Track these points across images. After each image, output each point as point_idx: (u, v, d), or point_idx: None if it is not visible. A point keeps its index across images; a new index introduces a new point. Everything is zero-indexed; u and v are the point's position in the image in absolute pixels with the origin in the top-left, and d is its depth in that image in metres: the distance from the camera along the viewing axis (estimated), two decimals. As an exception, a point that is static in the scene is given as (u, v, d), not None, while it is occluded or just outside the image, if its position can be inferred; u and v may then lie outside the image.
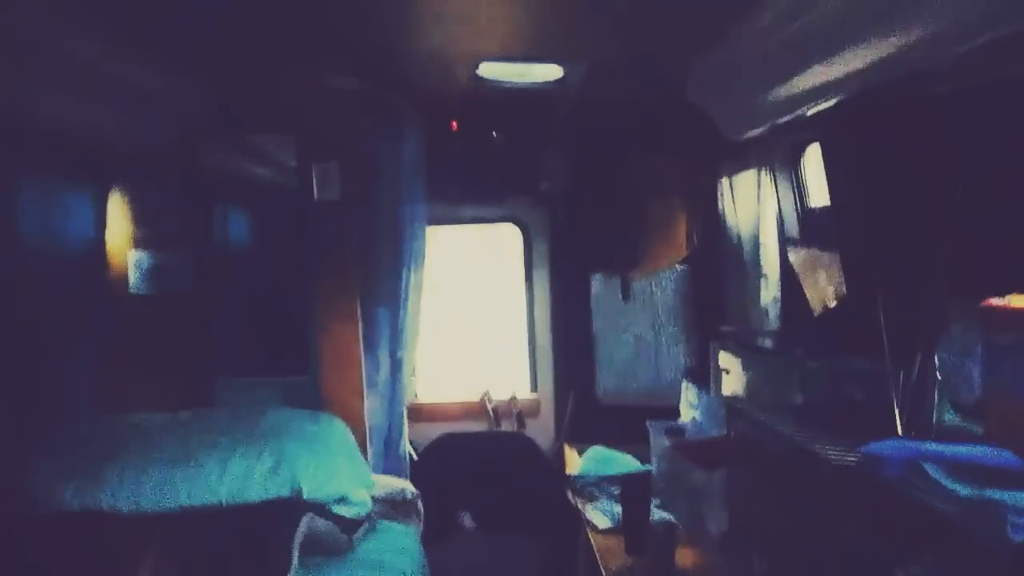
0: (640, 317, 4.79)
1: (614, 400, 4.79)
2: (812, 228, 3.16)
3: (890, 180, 2.07)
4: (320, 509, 2.65)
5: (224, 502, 2.60)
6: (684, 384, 4.03)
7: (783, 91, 2.78)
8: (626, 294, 4.71)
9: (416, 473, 3.95)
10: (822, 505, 1.80)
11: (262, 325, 3.64)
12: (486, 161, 4.54)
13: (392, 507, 3.02)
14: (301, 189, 3.34)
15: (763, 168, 3.51)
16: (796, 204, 3.32)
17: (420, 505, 3.12)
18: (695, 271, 4.70)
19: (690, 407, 3.94)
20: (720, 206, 4.22)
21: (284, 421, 2.91)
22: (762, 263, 3.47)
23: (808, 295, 3.02)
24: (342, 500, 2.69)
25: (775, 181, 3.46)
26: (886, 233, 2.09)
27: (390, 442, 3.70)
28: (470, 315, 5.06)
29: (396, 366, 3.68)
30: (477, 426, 4.82)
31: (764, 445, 1.95)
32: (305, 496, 2.61)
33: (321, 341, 3.33)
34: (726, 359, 2.98)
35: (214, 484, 2.60)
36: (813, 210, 3.22)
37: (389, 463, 3.74)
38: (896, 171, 2.07)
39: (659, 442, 3.19)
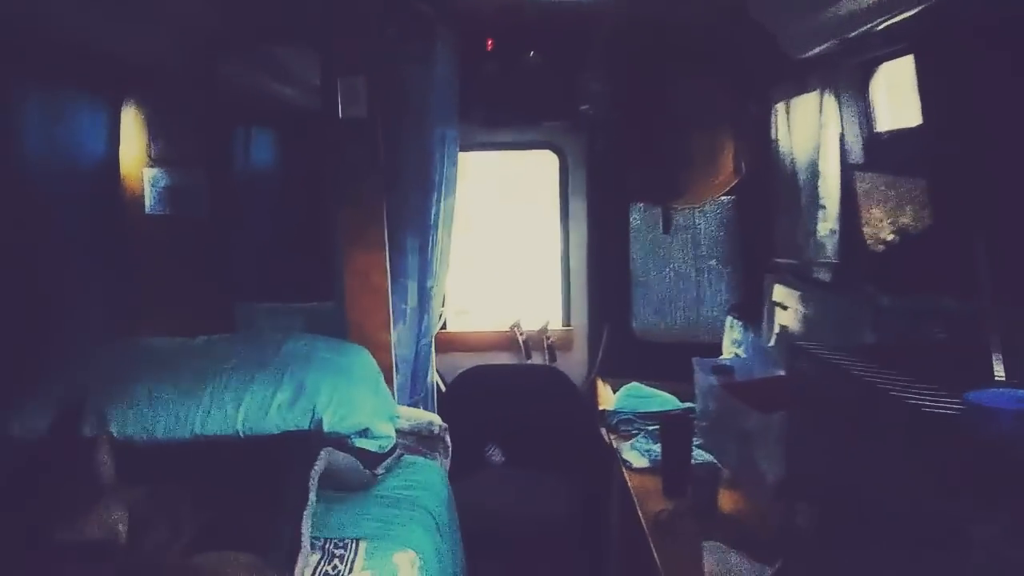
0: (681, 250, 4.52)
1: (650, 336, 4.56)
2: (883, 153, 2.85)
3: (996, 97, 1.77)
4: (341, 442, 2.46)
5: (240, 432, 2.43)
6: (728, 320, 3.78)
7: (854, 2, 2.46)
8: (667, 226, 4.43)
9: (444, 405, 3.78)
10: (899, 456, 1.56)
11: (286, 250, 3.42)
12: (522, 82, 4.23)
13: (418, 440, 2.84)
14: (326, 107, 3.09)
15: (826, 90, 3.18)
16: (862, 128, 3.00)
17: (447, 439, 2.94)
18: (742, 203, 4.40)
19: (734, 344, 3.69)
20: (773, 133, 3.89)
21: (305, 349, 2.71)
22: (821, 193, 3.17)
23: (875, 226, 2.73)
24: (364, 433, 2.51)
25: (839, 104, 3.13)
26: (990, 157, 1.79)
27: (417, 373, 3.51)
28: (502, 244, 4.82)
29: (425, 296, 3.47)
30: (507, 358, 4.63)
31: (833, 388, 1.71)
32: (326, 428, 2.44)
33: (346, 268, 3.11)
34: (782, 293, 2.72)
35: (229, 413, 2.43)
36: (883, 134, 2.91)
37: (416, 394, 3.56)
38: (1003, 87, 1.76)
39: (705, 380, 2.96)
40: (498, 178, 4.82)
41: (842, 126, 3.16)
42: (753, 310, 3.71)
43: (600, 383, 4.50)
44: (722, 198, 4.43)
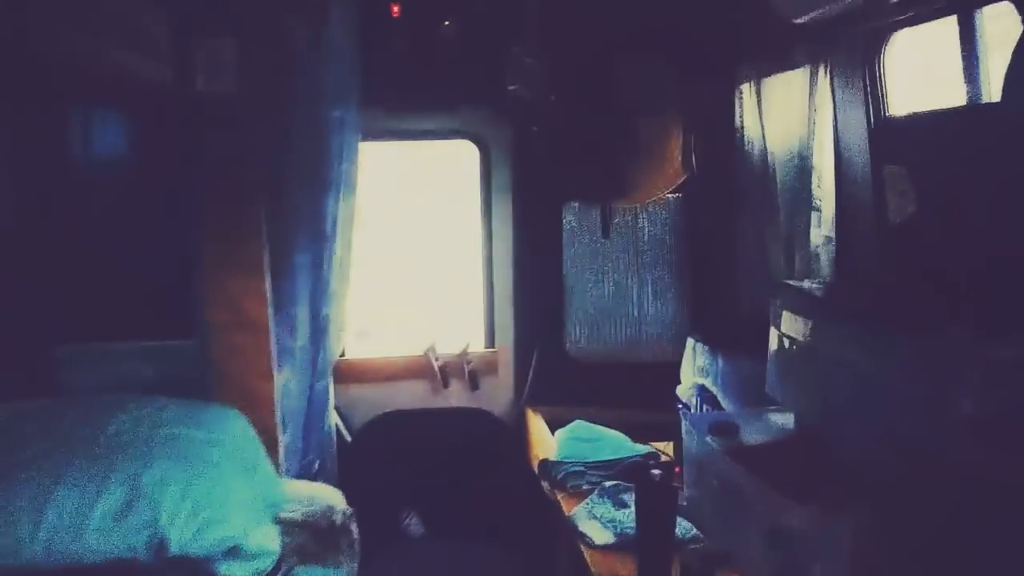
0: (622, 257, 3.86)
1: (587, 357, 3.90)
2: (902, 145, 2.25)
3: None
4: (198, 569, 1.66)
5: (40, 561, 1.59)
6: (691, 343, 3.13)
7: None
8: (606, 229, 3.75)
9: (347, 463, 2.99)
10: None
11: (132, 271, 2.51)
12: (436, 58, 3.46)
13: (314, 537, 2.04)
14: (180, 79, 2.25)
15: (819, 66, 2.56)
16: (869, 112, 2.40)
17: (354, 529, 2.16)
18: (692, 202, 3.78)
19: (699, 373, 3.05)
20: (737, 119, 3.26)
21: (147, 422, 1.89)
22: (814, 192, 2.55)
23: (902, 235, 2.12)
24: (234, 551, 1.71)
25: (834, 83, 2.52)
26: None
27: (311, 425, 2.72)
28: (413, 253, 4.04)
29: (319, 327, 2.68)
30: (420, 388, 3.85)
31: (928, 491, 1.08)
32: (173, 550, 1.63)
33: (211, 297, 2.29)
34: (793, 324, 2.07)
35: (25, 534, 1.59)
36: (899, 119, 2.31)
37: (309, 453, 2.77)
38: None
39: (700, 442, 2.28)
40: (406, 174, 4.03)
41: (837, 110, 2.55)
42: (719, 331, 3.08)
43: (531, 414, 3.80)
44: (669, 196, 3.80)
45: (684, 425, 2.38)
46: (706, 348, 2.98)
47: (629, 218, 3.83)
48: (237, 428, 2.04)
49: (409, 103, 3.54)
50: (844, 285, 2.23)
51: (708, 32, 3.33)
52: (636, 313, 3.89)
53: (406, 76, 3.47)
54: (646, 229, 3.85)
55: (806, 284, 2.22)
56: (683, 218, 3.82)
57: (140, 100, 2.33)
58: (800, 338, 2.04)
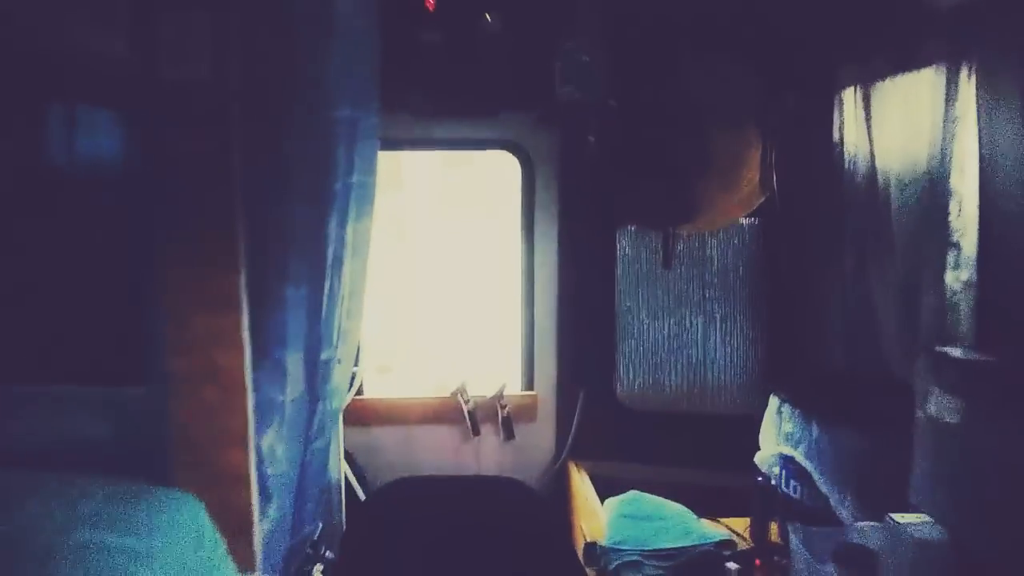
0: (685, 291, 3.28)
1: (642, 404, 3.33)
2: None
3: None
4: None
5: None
6: (775, 404, 2.53)
7: None
8: (669, 258, 3.16)
9: (359, 531, 2.45)
10: None
11: (72, 299, 1.97)
12: (475, 56, 2.94)
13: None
14: (138, 62, 1.75)
15: (960, 65, 1.96)
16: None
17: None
18: (771, 227, 3.18)
19: (785, 440, 2.45)
20: (836, 131, 2.68)
21: (59, 515, 1.37)
22: (951, 223, 1.95)
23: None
24: None
25: (981, 87, 1.93)
26: None
27: (304, 495, 2.18)
28: (445, 279, 3.51)
29: (319, 375, 2.14)
30: (446, 433, 3.32)
31: None
32: None
33: (173, 339, 1.77)
34: (948, 407, 1.47)
35: None
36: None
37: (305, 525, 2.24)
38: None
39: (810, 568, 1.68)
40: (439, 188, 3.50)
41: (986, 121, 1.95)
42: (813, 391, 2.48)
43: (575, 471, 3.24)
44: (743, 221, 3.22)
45: (792, 541, 1.78)
46: (796, 411, 2.38)
47: (695, 245, 3.25)
48: (187, 528, 1.50)
49: (441, 107, 3.02)
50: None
51: (798, 26, 2.76)
52: (700, 356, 3.30)
53: (439, 76, 2.95)
54: (715, 259, 3.27)
55: (964, 353, 1.62)
56: (760, 247, 3.23)
57: (84, 85, 1.83)
58: (959, 428, 1.45)
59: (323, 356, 2.17)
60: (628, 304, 3.30)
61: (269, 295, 1.96)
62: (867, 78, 2.48)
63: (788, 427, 2.41)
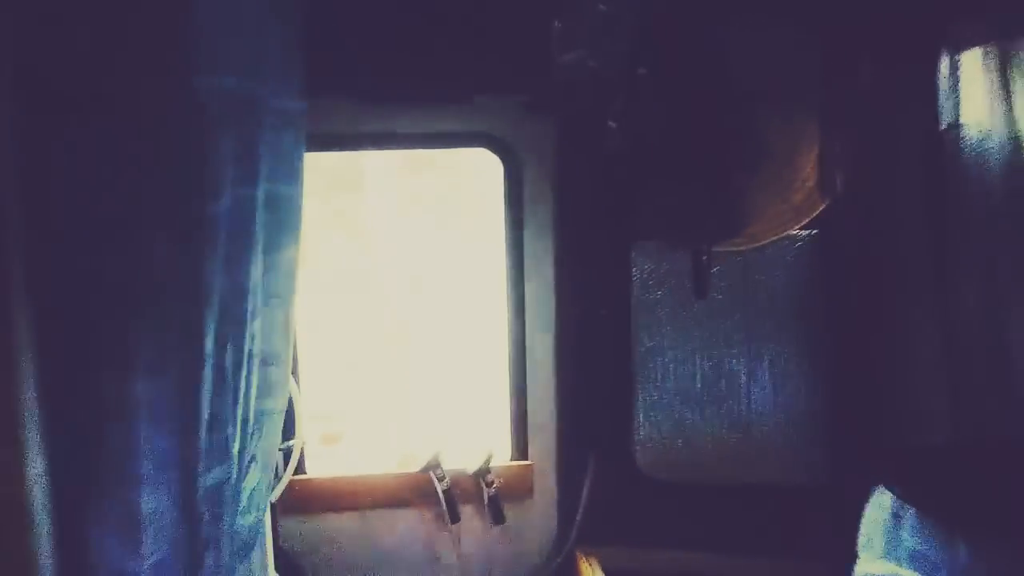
0: (724, 324, 2.51)
1: (668, 471, 2.57)
2: None
3: None
4: None
5: None
6: (884, 502, 1.75)
7: None
8: (703, 284, 2.38)
9: None
10: None
11: None
12: (439, 19, 2.15)
13: None
14: None
15: None
16: None
17: None
18: (834, 242, 2.42)
19: (904, 557, 1.67)
20: (946, 111, 1.91)
21: None
22: None
23: None
24: None
25: None
26: None
27: None
28: (404, 319, 2.71)
29: (206, 510, 1.33)
30: (414, 521, 2.53)
31: None
32: None
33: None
34: None
35: None
36: None
37: None
38: None
39: None
40: (395, 196, 2.71)
41: None
42: (939, 480, 1.70)
43: (585, 566, 2.46)
44: (798, 233, 2.45)
45: None
46: (923, 519, 1.60)
47: (735, 266, 2.47)
48: None
49: (396, 90, 2.21)
50: None
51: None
52: (744, 407, 2.54)
53: (391, 47, 2.16)
54: (762, 282, 2.50)
55: None
56: (822, 268, 2.46)
57: None
58: None
59: (210, 479, 1.36)
60: (649, 343, 2.52)
61: (93, 398, 1.15)
62: (1004, 35, 1.71)
63: (913, 541, 1.63)
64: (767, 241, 2.39)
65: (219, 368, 1.37)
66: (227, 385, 1.43)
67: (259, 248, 1.59)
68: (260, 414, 1.71)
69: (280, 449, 2.20)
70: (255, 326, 1.60)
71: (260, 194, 1.56)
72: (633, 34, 1.91)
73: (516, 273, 2.55)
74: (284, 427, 2.00)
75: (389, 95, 2.20)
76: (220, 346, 1.38)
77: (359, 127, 2.28)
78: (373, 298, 2.69)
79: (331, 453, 2.62)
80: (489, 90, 2.28)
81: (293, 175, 1.77)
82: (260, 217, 1.58)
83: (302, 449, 2.44)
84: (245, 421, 1.57)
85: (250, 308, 1.54)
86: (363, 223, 2.92)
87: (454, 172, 2.79)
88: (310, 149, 1.86)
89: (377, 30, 2.14)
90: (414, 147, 2.49)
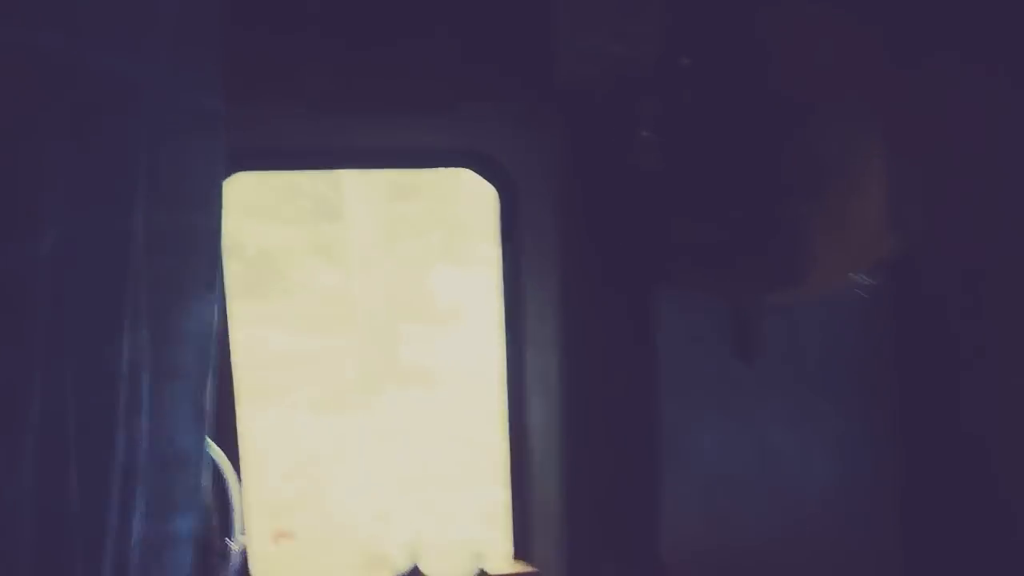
0: (771, 390, 1.99)
1: (703, 572, 2.00)
2: None
3: None
4: None
5: None
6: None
7: None
8: (749, 344, 1.87)
9: None
10: None
11: None
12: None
13: None
14: None
15: None
16: None
17: None
18: (910, 290, 1.91)
19: None
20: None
21: None
22: None
23: None
24: None
25: None
26: None
27: None
28: (378, 380, 2.19)
29: None
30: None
31: None
32: None
33: None
34: None
35: None
36: None
37: None
38: None
39: None
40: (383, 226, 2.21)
41: None
42: None
43: None
44: (863, 279, 1.94)
45: None
46: None
47: (786, 317, 1.96)
48: None
49: (358, 93, 1.71)
50: None
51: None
52: (797, 494, 2.01)
53: (352, 39, 1.67)
54: (817, 339, 1.99)
55: None
56: (890, 318, 1.95)
57: None
58: None
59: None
60: (678, 410, 2.00)
61: None
62: None
63: None
64: (827, 290, 1.89)
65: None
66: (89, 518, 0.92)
67: (142, 310, 1.08)
68: (156, 543, 1.20)
69: (220, 553, 1.73)
70: (139, 425, 1.09)
71: (141, 226, 1.05)
72: (672, 10, 1.41)
73: (513, 326, 2.04)
74: (223, 524, 1.53)
75: (348, 100, 1.70)
76: (71, 464, 0.87)
77: (314, 141, 1.78)
78: (345, 347, 2.18)
79: (282, 553, 2.08)
80: (475, 94, 1.79)
81: (205, 200, 1.27)
82: (145, 261, 1.07)
83: (245, 550, 1.91)
84: (122, 563, 1.06)
85: (125, 400, 1.03)
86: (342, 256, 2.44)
87: (438, 197, 2.31)
88: (240, 168, 1.37)
89: (331, 16, 1.66)
90: (379, 166, 1.98)
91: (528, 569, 2.02)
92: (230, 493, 1.76)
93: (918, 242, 1.79)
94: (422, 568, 1.94)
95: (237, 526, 1.80)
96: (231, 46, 1.35)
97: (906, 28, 1.69)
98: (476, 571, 1.96)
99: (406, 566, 1.95)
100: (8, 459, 0.82)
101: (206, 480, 1.48)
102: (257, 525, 1.88)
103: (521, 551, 2.04)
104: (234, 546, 1.82)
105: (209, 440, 1.41)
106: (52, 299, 0.85)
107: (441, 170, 2.00)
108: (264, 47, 1.50)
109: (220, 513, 1.75)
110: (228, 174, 1.57)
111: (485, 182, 1.92)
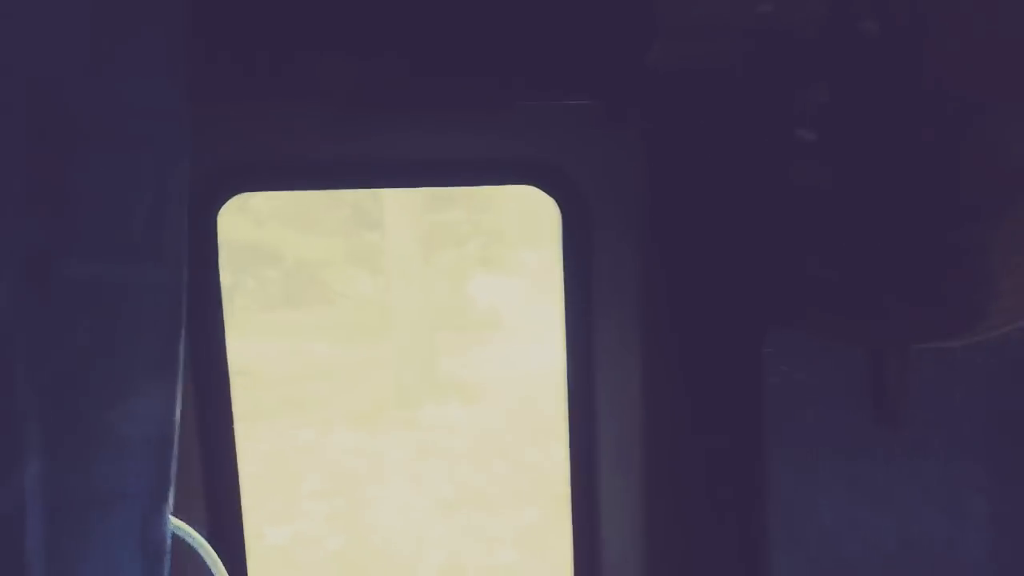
0: (913, 463, 1.56)
1: None
2: None
3: None
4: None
5: None
6: None
7: None
8: (892, 402, 1.43)
9: None
10: None
11: None
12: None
13: None
14: None
15: None
16: None
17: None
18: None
19: None
20: None
21: None
22: None
23: None
24: None
25: None
26: None
27: None
28: (409, 396, 1.84)
29: None
30: None
31: None
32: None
33: None
34: None
35: None
36: None
37: None
38: None
39: None
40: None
41: None
42: None
43: None
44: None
45: None
46: None
47: (935, 369, 1.52)
48: None
49: (390, 90, 1.33)
50: None
51: None
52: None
53: (380, 21, 1.29)
54: (978, 396, 1.54)
55: None
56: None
57: None
58: None
59: None
60: (796, 479, 1.59)
61: None
62: None
63: None
64: (1000, 335, 1.44)
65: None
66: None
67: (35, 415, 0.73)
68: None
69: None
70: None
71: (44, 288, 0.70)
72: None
73: (582, 371, 1.64)
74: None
75: (376, 98, 1.31)
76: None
77: (324, 151, 1.40)
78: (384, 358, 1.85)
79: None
80: (539, 92, 1.38)
81: (161, 245, 0.89)
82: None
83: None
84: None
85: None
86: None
87: (476, 206, 1.94)
88: (234, 190, 1.00)
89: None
90: (416, 185, 1.61)
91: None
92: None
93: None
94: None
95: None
96: (239, 42, 1.01)
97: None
98: None
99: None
100: None
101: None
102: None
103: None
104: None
105: (181, 524, 1.06)
106: None
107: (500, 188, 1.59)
108: (262, 38, 1.13)
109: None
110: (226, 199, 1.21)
111: (551, 202, 1.52)
